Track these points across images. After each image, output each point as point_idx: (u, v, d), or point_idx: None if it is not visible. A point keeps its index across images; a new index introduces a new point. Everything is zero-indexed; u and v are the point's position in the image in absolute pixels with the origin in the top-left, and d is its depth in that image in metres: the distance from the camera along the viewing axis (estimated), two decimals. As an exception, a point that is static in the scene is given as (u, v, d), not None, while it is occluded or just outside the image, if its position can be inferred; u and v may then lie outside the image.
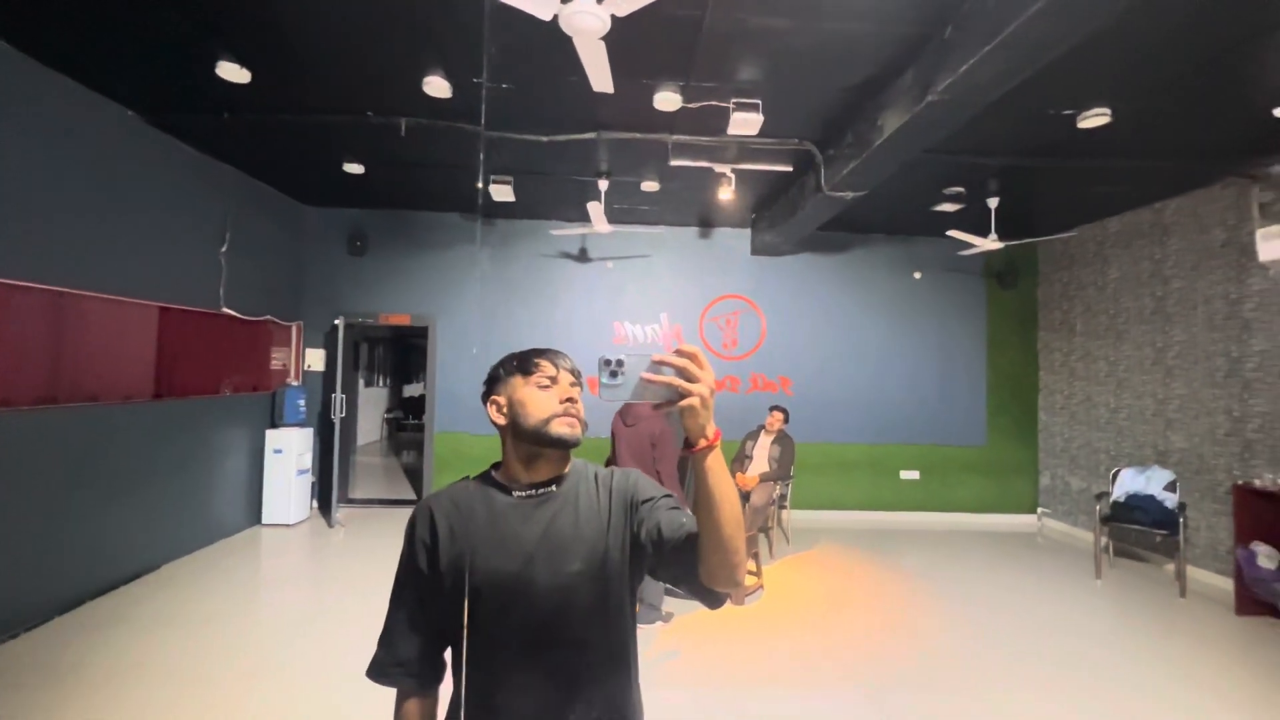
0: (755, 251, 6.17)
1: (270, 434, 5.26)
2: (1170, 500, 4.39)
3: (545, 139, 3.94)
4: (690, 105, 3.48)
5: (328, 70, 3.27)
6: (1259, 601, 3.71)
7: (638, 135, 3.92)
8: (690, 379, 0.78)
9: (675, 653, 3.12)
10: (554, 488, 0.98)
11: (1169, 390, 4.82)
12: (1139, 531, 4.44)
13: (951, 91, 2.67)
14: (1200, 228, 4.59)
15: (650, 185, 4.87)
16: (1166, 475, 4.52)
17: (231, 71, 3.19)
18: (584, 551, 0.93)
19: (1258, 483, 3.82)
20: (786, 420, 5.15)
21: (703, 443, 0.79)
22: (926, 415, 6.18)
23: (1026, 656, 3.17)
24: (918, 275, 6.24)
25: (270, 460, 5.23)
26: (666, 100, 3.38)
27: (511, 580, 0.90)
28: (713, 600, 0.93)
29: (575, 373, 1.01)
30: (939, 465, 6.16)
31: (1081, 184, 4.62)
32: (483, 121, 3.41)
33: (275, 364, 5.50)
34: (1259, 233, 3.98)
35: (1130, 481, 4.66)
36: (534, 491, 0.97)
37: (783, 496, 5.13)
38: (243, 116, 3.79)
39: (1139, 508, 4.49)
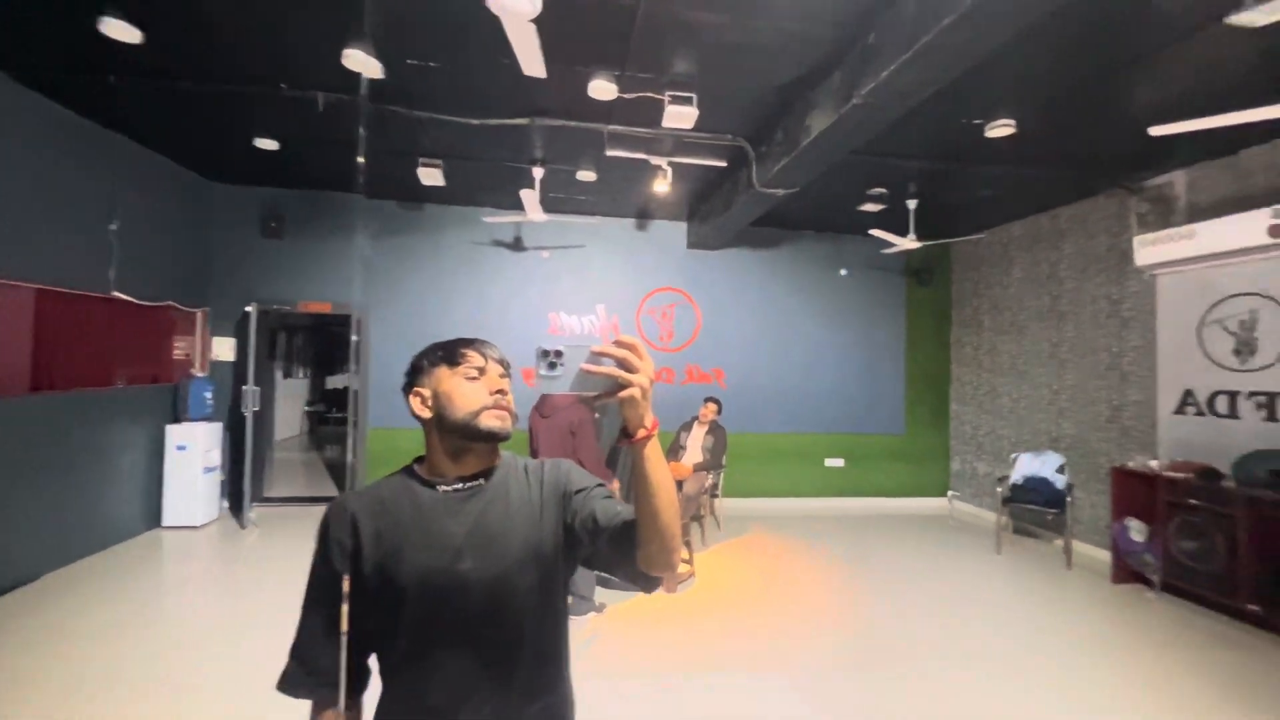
0: (692, 245, 6.25)
1: (172, 429, 4.85)
2: (1060, 482, 4.83)
3: (476, 122, 3.82)
4: (626, 95, 3.46)
5: (235, 34, 3.02)
6: (1131, 571, 4.16)
7: (573, 123, 3.86)
8: (630, 370, 0.79)
9: (595, 637, 3.14)
10: (483, 481, 0.96)
11: (1061, 381, 5.28)
12: (1033, 511, 4.87)
13: (874, 96, 2.79)
14: (1089, 234, 5.04)
15: (587, 175, 4.82)
16: (1058, 459, 4.97)
17: (119, 29, 2.88)
18: (516, 544, 0.92)
19: (1131, 464, 4.26)
20: (719, 411, 5.26)
21: (641, 432, 0.81)
22: (851, 406, 6.49)
23: (935, 628, 3.40)
24: (844, 272, 6.52)
25: (172, 457, 4.83)
26: (601, 89, 3.35)
27: (441, 577, 0.88)
28: (648, 584, 0.95)
29: (504, 363, 1.00)
30: (861, 453, 6.49)
31: (990, 190, 4.96)
32: (362, 92, 3.19)
33: (178, 353, 5.07)
34: (1135, 240, 4.41)
35: (1027, 465, 5.09)
36: (462, 485, 0.95)
37: (714, 485, 5.25)
38: (134, 81, 3.44)
39: (1034, 489, 4.91)
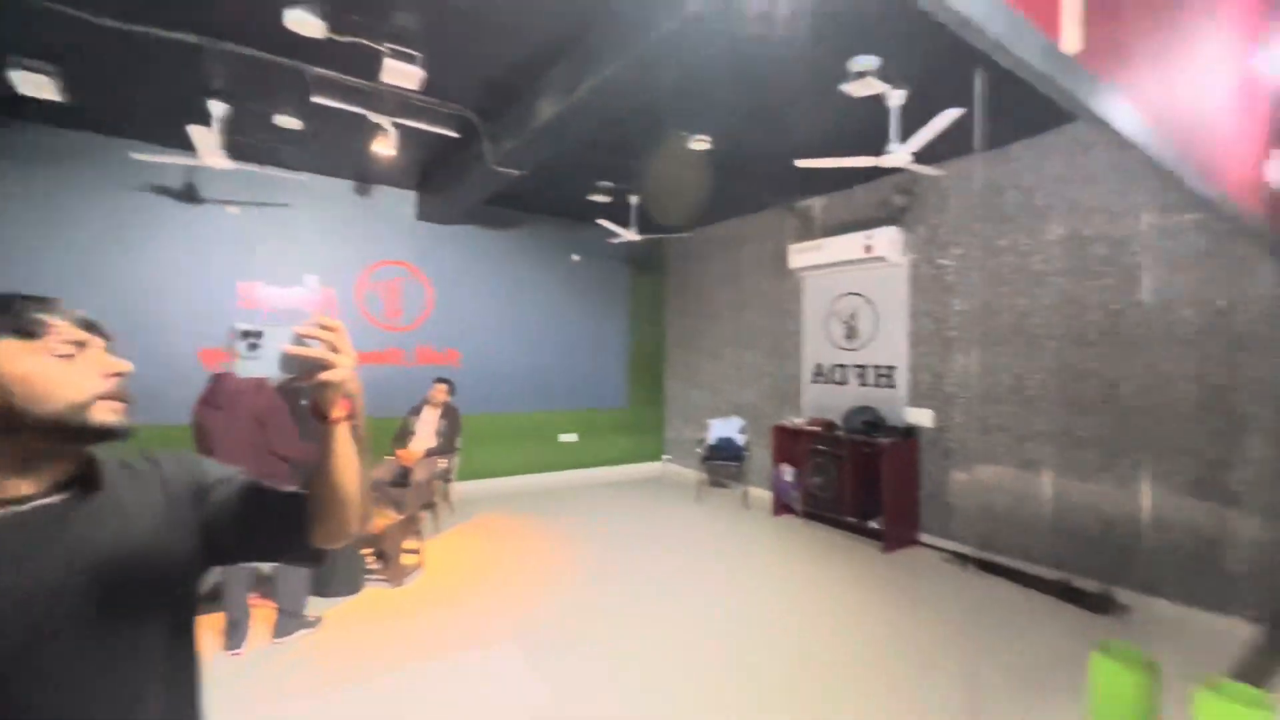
0: (422, 217, 5.85)
1: None
2: (741, 440, 5.97)
3: (118, 24, 2.92)
4: (338, 37, 3.04)
5: None
6: (785, 505, 5.39)
7: (266, 55, 3.24)
8: (334, 351, 0.76)
9: (301, 660, 2.81)
10: (76, 491, 0.73)
11: (742, 359, 6.50)
12: (722, 465, 5.94)
13: (593, 94, 2.99)
14: (762, 240, 6.28)
15: (289, 121, 4.10)
16: (739, 422, 6.13)
17: None
18: (138, 566, 0.74)
19: (784, 422, 5.50)
20: (452, 392, 5.09)
21: (337, 413, 0.79)
22: (582, 383, 6.94)
23: (649, 569, 3.92)
24: (576, 257, 6.88)
25: None
26: (301, 22, 2.87)
27: (29, 633, 0.65)
28: (318, 559, 0.90)
29: (106, 334, 0.77)
30: (591, 426, 7.01)
31: (695, 195, 5.77)
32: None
33: None
34: (789, 247, 5.66)
35: (718, 429, 6.16)
36: (47, 502, 0.71)
37: (448, 470, 5.08)
38: None
39: (723, 448, 5.99)
